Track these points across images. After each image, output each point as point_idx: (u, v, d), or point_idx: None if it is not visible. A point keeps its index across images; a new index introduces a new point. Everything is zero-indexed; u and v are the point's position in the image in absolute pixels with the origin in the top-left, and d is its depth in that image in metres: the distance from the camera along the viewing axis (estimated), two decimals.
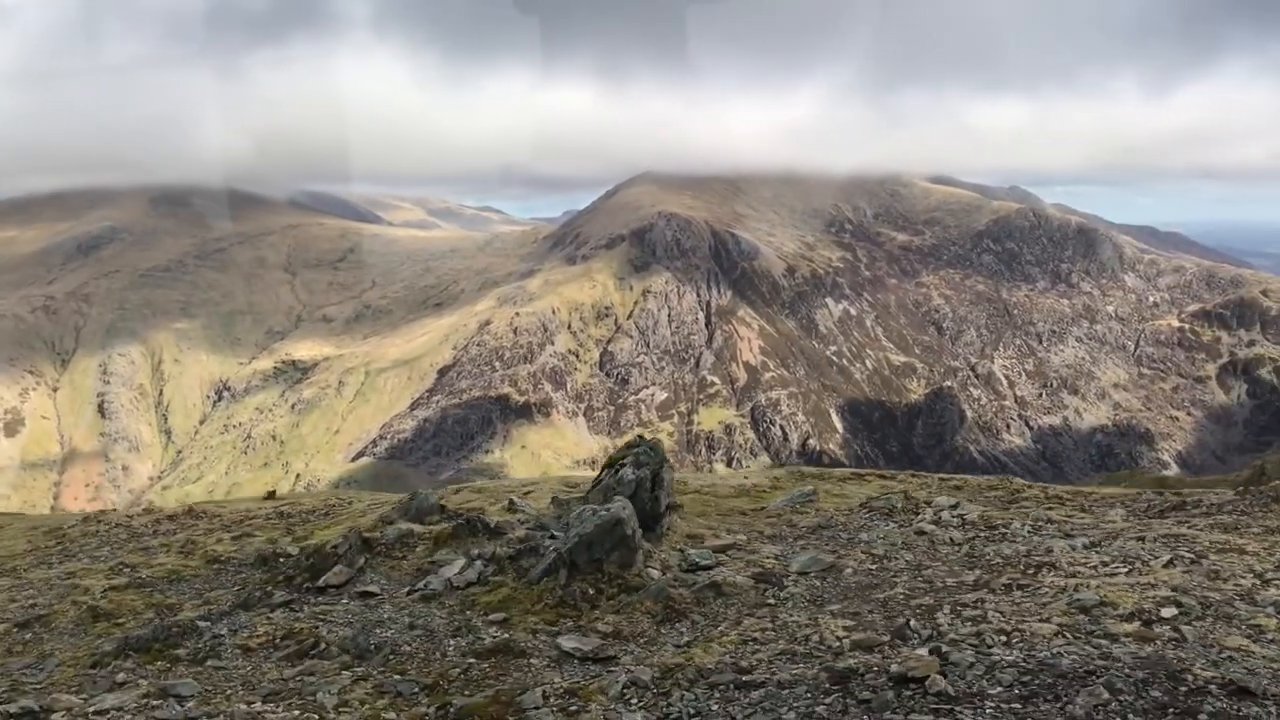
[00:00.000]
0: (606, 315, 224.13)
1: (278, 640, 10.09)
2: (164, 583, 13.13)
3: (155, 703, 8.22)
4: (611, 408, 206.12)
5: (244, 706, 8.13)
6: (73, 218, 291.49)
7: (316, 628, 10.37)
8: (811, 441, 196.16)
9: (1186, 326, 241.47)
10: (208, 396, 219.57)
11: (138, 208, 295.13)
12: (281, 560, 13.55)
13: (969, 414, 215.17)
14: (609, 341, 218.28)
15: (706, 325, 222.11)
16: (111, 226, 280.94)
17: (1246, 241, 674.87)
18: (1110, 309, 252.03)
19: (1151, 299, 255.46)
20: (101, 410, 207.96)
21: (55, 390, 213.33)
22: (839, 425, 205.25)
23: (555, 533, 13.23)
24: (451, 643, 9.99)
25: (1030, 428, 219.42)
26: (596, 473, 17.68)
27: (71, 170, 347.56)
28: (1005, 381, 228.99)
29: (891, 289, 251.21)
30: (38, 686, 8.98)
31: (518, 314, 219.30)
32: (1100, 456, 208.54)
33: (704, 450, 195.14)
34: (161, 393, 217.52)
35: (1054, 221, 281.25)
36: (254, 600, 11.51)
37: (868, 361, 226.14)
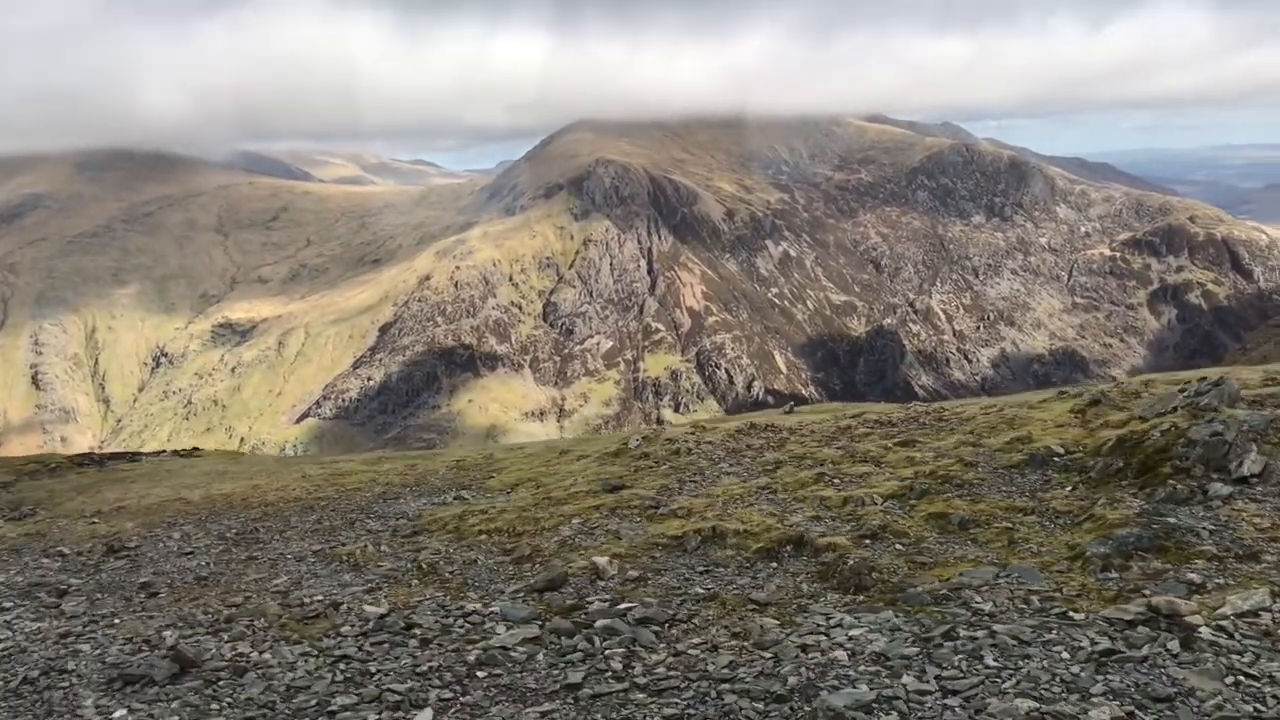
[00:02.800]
0: (548, 265, 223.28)
1: None
2: (951, 487, 12.26)
3: None
4: (557, 358, 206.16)
5: None
6: None
7: None
8: (756, 384, 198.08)
9: (1117, 255, 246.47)
10: (145, 363, 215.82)
11: (62, 173, 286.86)
12: (1055, 459, 13.02)
13: (909, 349, 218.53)
14: (552, 292, 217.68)
15: (649, 272, 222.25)
16: (35, 193, 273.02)
17: (1172, 169, 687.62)
18: (1043, 240, 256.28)
19: (1083, 229, 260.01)
20: (35, 382, 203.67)
21: None
22: (783, 366, 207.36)
23: None
24: None
25: (969, 360, 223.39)
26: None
27: None
28: (944, 316, 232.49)
29: (830, 229, 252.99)
30: (1051, 595, 8.26)
31: (458, 267, 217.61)
32: (1038, 386, 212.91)
33: (651, 397, 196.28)
34: (97, 361, 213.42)
35: (986, 156, 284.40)
36: (1181, 495, 10.94)
37: (809, 302, 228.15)
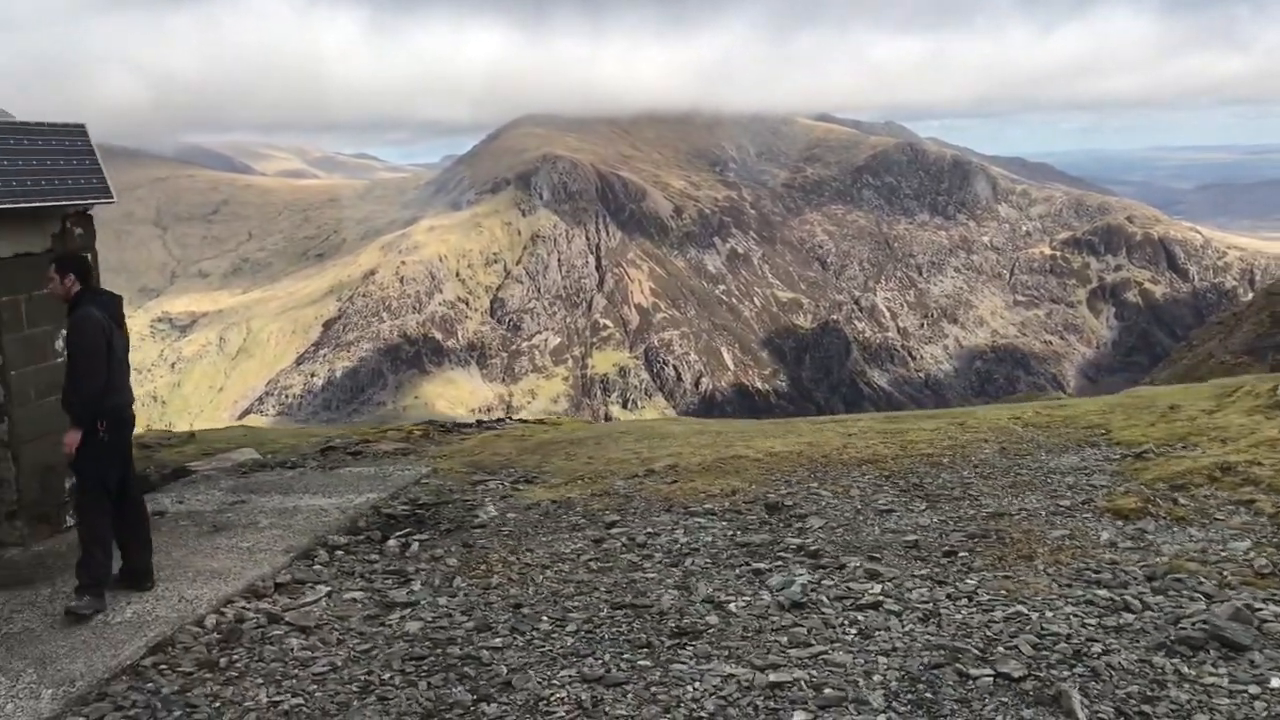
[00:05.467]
0: (495, 261, 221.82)
1: None
2: None
3: None
4: (504, 354, 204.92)
5: None
6: None
7: None
8: (705, 381, 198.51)
9: (1058, 254, 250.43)
10: None
11: None
12: None
13: (854, 347, 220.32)
14: (499, 288, 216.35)
15: (597, 268, 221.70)
16: None
17: (1109, 170, 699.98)
18: (986, 239, 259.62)
19: (1024, 228, 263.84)
20: None
21: None
22: (730, 363, 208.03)
23: None
24: None
25: (913, 357, 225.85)
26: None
27: None
28: (888, 313, 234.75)
29: (776, 226, 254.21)
30: None
31: (404, 263, 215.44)
32: (980, 383, 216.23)
33: (599, 394, 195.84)
34: None
35: (930, 155, 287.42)
36: None
37: (756, 299, 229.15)
